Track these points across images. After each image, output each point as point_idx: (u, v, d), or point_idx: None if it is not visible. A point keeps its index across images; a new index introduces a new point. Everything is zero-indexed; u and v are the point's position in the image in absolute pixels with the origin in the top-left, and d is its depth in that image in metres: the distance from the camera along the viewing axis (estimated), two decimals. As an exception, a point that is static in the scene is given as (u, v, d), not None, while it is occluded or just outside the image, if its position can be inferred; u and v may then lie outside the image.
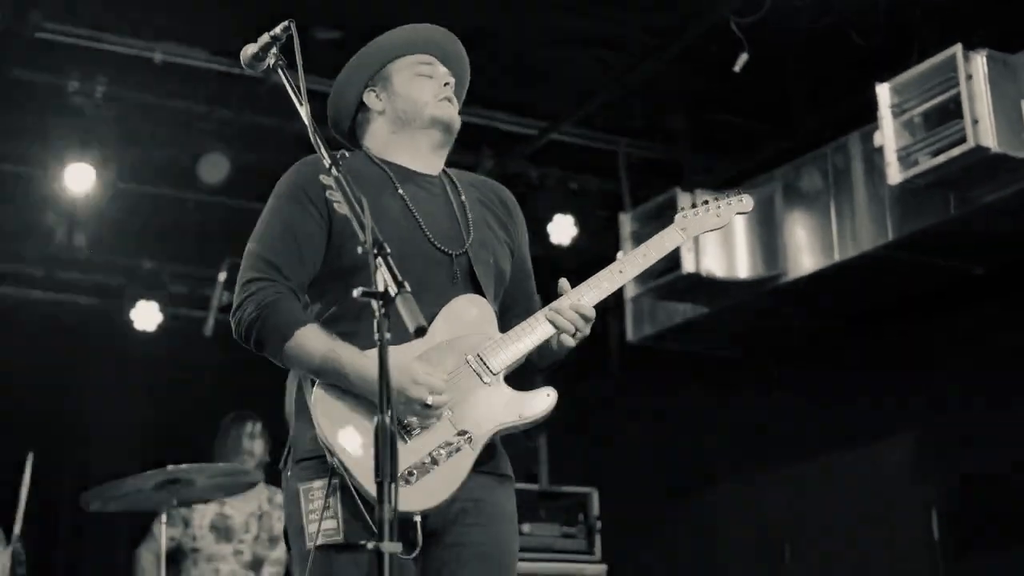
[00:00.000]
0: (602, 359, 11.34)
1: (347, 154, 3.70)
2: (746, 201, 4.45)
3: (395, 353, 3.31)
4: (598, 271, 4.15)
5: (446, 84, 4.21)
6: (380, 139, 4.21)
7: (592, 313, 4.01)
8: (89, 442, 11.23)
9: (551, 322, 3.98)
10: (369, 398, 3.74)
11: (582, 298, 4.03)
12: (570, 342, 4.01)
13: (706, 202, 4.41)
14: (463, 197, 4.19)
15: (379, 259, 3.26)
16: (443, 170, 4.27)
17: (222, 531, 8.05)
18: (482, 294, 4.05)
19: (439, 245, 4.01)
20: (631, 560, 11.06)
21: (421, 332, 3.19)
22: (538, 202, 10.26)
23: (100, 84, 8.86)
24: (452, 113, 4.20)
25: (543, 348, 4.05)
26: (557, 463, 11.64)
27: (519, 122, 9.78)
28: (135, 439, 11.17)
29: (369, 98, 4.23)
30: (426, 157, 4.20)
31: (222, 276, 9.81)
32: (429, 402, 3.75)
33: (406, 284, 3.22)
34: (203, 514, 8.06)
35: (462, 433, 3.85)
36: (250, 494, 8.03)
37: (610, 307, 10.46)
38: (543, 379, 4.08)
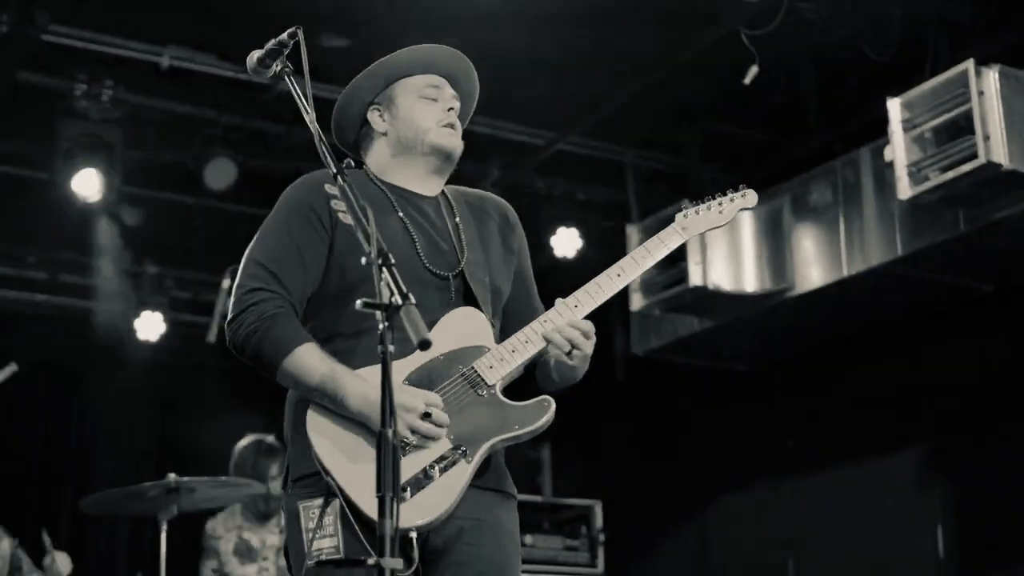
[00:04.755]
0: (607, 371, 11.30)
1: (351, 163, 3.65)
2: (749, 196, 4.32)
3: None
4: None
5: (450, 109, 4.16)
6: (381, 160, 4.16)
7: (590, 327, 3.94)
8: (92, 448, 11.20)
9: (547, 339, 3.91)
10: (364, 421, 3.72)
11: (579, 305, 3.97)
12: (567, 360, 3.91)
13: (709, 199, 4.31)
14: (458, 219, 4.14)
15: (383, 270, 3.22)
16: (442, 190, 4.22)
17: (245, 553, 8.04)
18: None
19: (433, 268, 3.98)
20: (634, 573, 11.02)
21: (425, 345, 3.15)
22: (544, 213, 10.21)
23: (107, 88, 8.80)
24: (454, 142, 4.15)
25: (545, 373, 4.00)
26: (560, 475, 11.61)
27: (526, 132, 9.74)
28: (138, 445, 11.14)
29: (373, 116, 4.18)
30: (425, 180, 4.16)
31: (226, 283, 9.76)
32: (423, 409, 3.70)
33: (410, 296, 3.18)
34: (227, 541, 8.07)
35: (457, 447, 3.79)
36: (271, 523, 8.05)
37: (615, 319, 10.42)
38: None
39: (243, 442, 8.25)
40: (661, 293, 9.40)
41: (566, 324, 3.91)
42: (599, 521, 10.34)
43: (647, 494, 11.56)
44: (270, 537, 8.11)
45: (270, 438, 8.10)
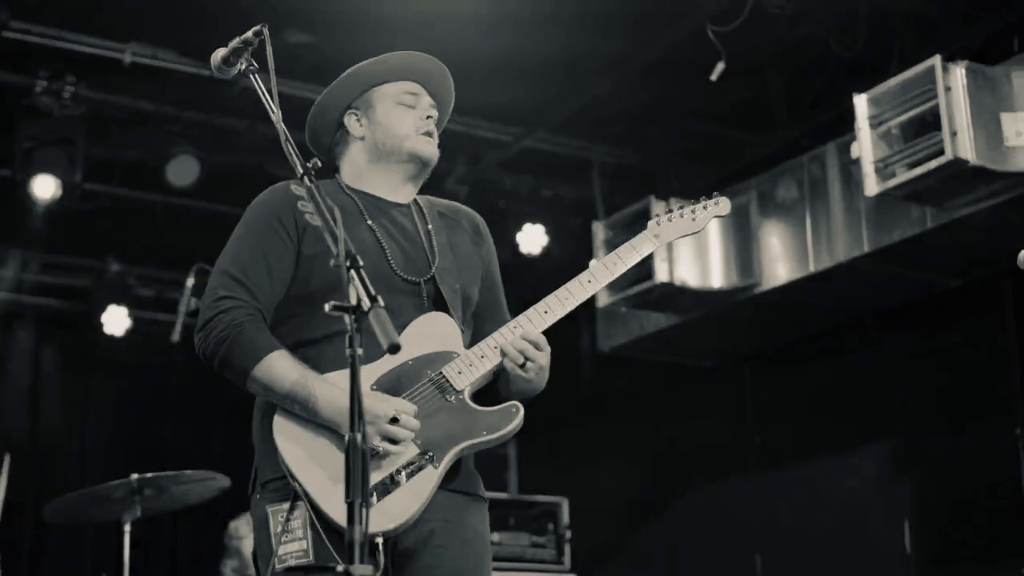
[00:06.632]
0: (573, 368, 11.26)
1: (319, 163, 3.61)
2: (723, 204, 4.34)
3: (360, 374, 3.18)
4: (570, 280, 4.08)
5: (428, 117, 4.16)
6: (356, 166, 4.16)
7: (542, 339, 3.92)
8: (53, 448, 11.07)
9: (503, 351, 3.90)
10: (334, 427, 3.70)
11: (549, 311, 3.97)
12: (522, 373, 3.90)
13: (682, 207, 4.30)
14: (429, 225, 4.13)
15: (351, 272, 3.17)
16: (414, 198, 4.21)
17: None
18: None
19: (404, 274, 3.97)
20: (601, 570, 10.99)
21: (394, 349, 3.10)
22: (510, 209, 10.17)
23: (68, 84, 8.73)
24: (431, 149, 4.15)
25: (505, 384, 3.98)
26: (527, 472, 11.57)
27: (492, 128, 9.69)
28: (100, 445, 11.03)
29: (350, 121, 4.17)
30: (399, 187, 4.16)
31: (190, 281, 9.69)
32: (392, 414, 3.68)
33: (379, 298, 3.14)
34: (249, 541, 8.17)
35: (424, 452, 3.78)
36: None
37: (582, 316, 10.38)
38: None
39: None
40: (627, 290, 9.38)
41: (518, 338, 3.90)
42: (566, 518, 10.29)
43: (614, 490, 11.53)
44: None
45: None
